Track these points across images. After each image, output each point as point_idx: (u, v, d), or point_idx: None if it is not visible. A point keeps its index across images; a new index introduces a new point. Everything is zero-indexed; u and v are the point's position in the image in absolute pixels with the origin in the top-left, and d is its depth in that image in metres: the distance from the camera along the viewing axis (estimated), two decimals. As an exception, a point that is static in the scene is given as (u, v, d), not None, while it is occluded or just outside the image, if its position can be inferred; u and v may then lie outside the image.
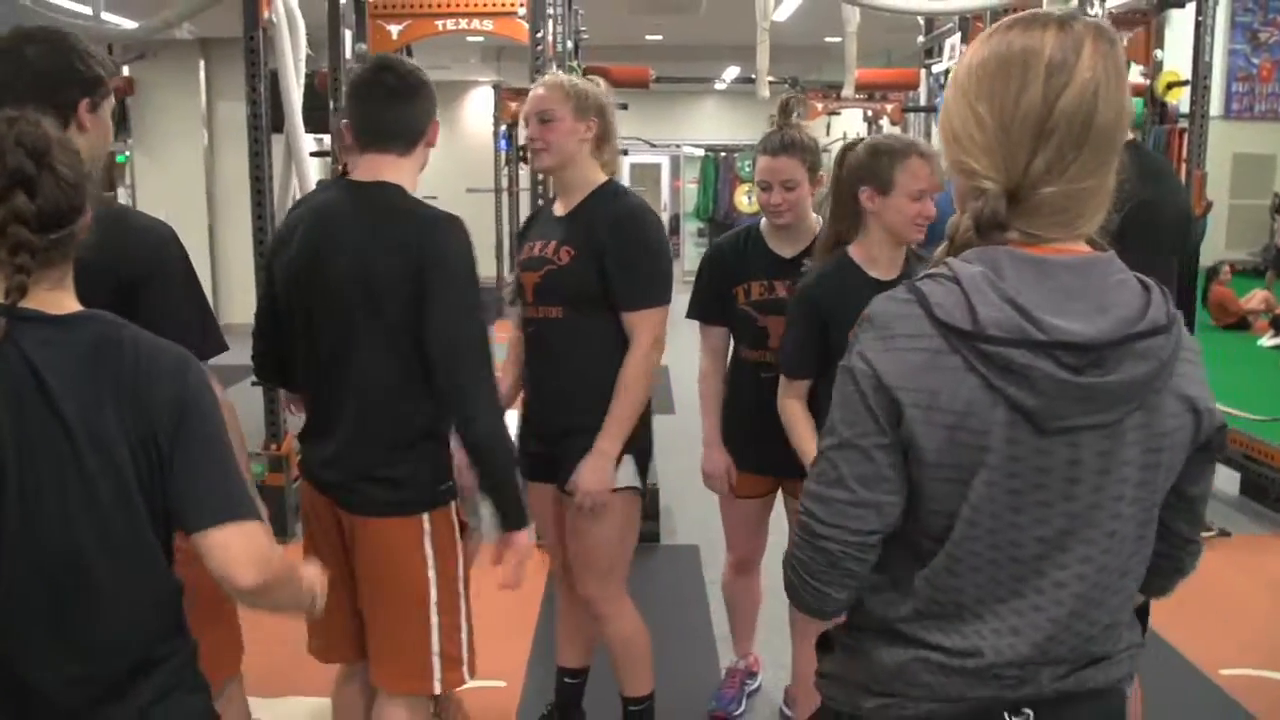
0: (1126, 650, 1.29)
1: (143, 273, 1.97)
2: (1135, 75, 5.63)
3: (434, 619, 2.27)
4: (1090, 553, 1.20)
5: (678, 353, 9.71)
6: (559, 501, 2.73)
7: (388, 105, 2.22)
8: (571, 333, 2.65)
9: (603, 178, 2.68)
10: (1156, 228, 2.20)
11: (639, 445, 2.67)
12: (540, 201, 4.54)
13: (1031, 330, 1.12)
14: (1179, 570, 1.36)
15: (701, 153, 15.87)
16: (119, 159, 13.80)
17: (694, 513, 5.03)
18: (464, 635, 2.34)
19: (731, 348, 3.03)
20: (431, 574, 2.25)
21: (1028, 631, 1.20)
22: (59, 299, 1.39)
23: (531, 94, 2.65)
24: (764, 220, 2.92)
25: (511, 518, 2.26)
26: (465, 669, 2.34)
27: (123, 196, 14.64)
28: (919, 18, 6.25)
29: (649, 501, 4.73)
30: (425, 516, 2.24)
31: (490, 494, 2.27)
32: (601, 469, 2.56)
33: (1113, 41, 1.17)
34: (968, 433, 1.15)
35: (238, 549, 1.39)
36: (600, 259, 2.57)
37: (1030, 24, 1.17)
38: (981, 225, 1.18)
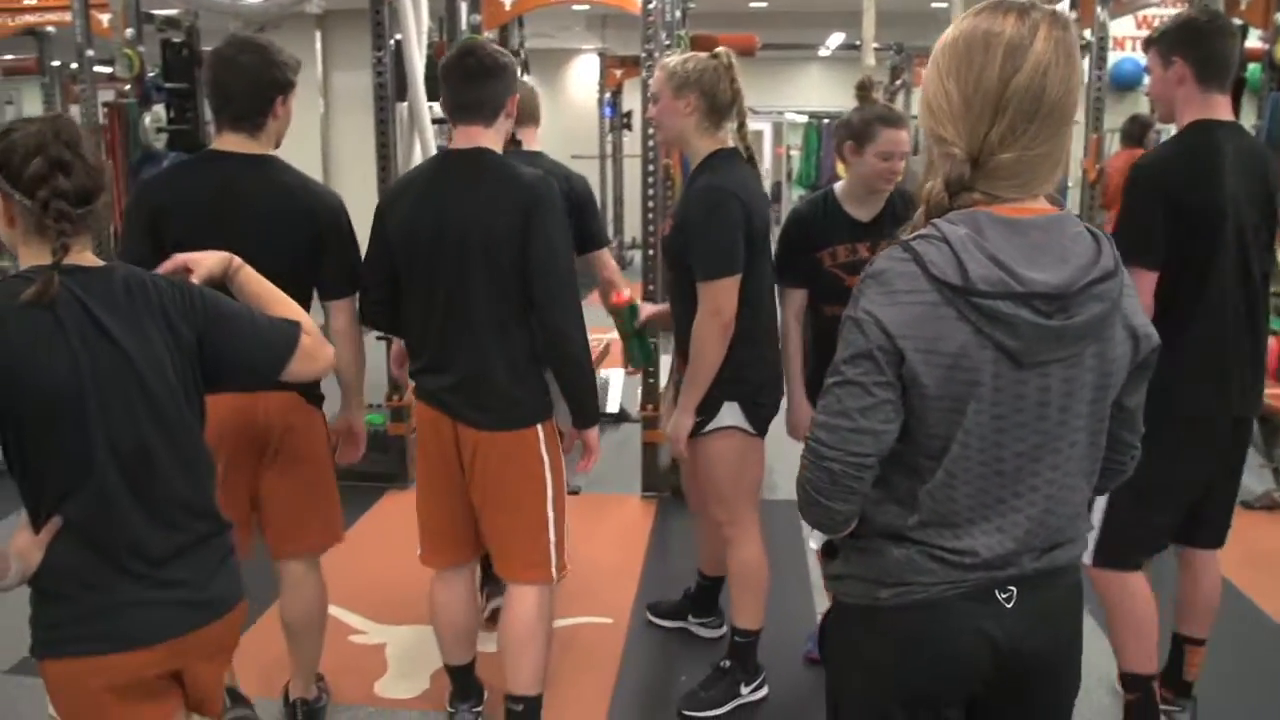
0: (1082, 533, 1.57)
1: (331, 223, 2.70)
2: (1254, 40, 5.52)
3: (550, 514, 2.72)
4: (1057, 461, 1.45)
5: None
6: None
7: (473, 85, 2.60)
8: (678, 295, 3.01)
9: (709, 149, 2.90)
10: None
11: (741, 391, 2.95)
12: (651, 168, 4.70)
13: (1012, 283, 1.34)
14: (1122, 471, 1.64)
15: (805, 119, 15.80)
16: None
17: (790, 469, 5.17)
18: (566, 527, 2.79)
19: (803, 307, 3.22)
20: (548, 475, 2.70)
21: (1010, 529, 1.46)
22: (89, 257, 1.76)
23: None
24: (840, 185, 3.12)
25: (586, 418, 2.72)
26: (566, 557, 2.80)
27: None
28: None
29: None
30: (539, 427, 2.68)
31: (571, 397, 2.69)
32: (679, 424, 2.96)
33: (1066, 26, 1.37)
34: (961, 370, 1.38)
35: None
36: (684, 230, 2.87)
37: (995, 10, 1.38)
38: (950, 187, 1.39)
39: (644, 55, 4.74)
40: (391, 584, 3.97)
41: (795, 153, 17.34)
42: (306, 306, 2.50)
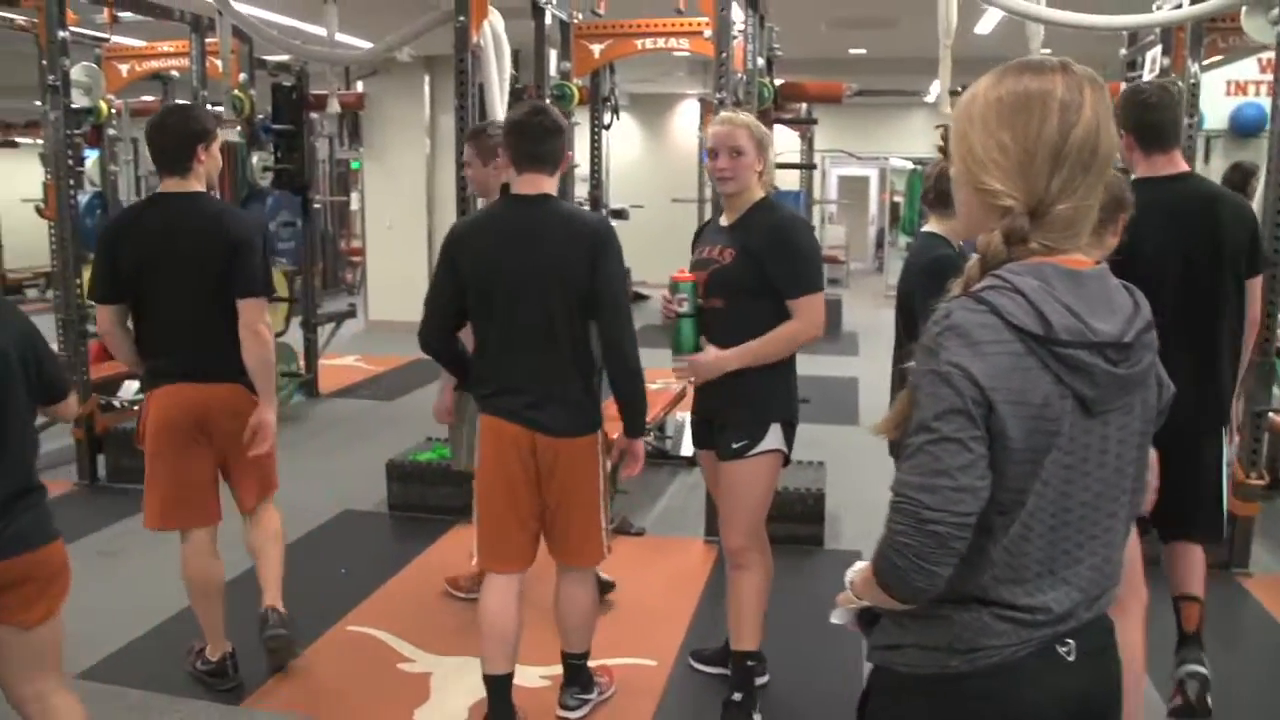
0: (1119, 576, 1.55)
1: (244, 238, 3.34)
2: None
3: (602, 505, 3.13)
4: (1114, 509, 1.47)
5: (864, 365, 9.75)
6: (715, 466, 3.25)
7: (542, 140, 3.01)
8: (729, 320, 3.14)
9: (761, 194, 3.21)
10: None
11: (784, 415, 3.17)
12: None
13: (1088, 333, 1.36)
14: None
15: (909, 166, 15.69)
16: (353, 165, 14.90)
17: (861, 523, 5.13)
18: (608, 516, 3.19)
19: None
20: (602, 473, 3.12)
21: (1075, 581, 1.45)
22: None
23: (720, 128, 3.15)
24: (944, 231, 3.17)
25: (636, 428, 3.13)
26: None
27: (354, 201, 15.81)
28: (1123, 32, 6.11)
29: (813, 506, 4.89)
30: (599, 431, 3.10)
31: (625, 407, 3.11)
32: (722, 359, 3.08)
33: (1103, 87, 1.41)
34: (1045, 421, 1.36)
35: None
36: (759, 259, 3.09)
37: (1040, 69, 1.41)
38: (1009, 239, 1.40)
39: (716, 102, 4.82)
40: (445, 614, 4.07)
41: (899, 199, 17.23)
42: (232, 306, 3.30)
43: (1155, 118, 3.10)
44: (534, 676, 3.52)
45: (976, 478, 1.35)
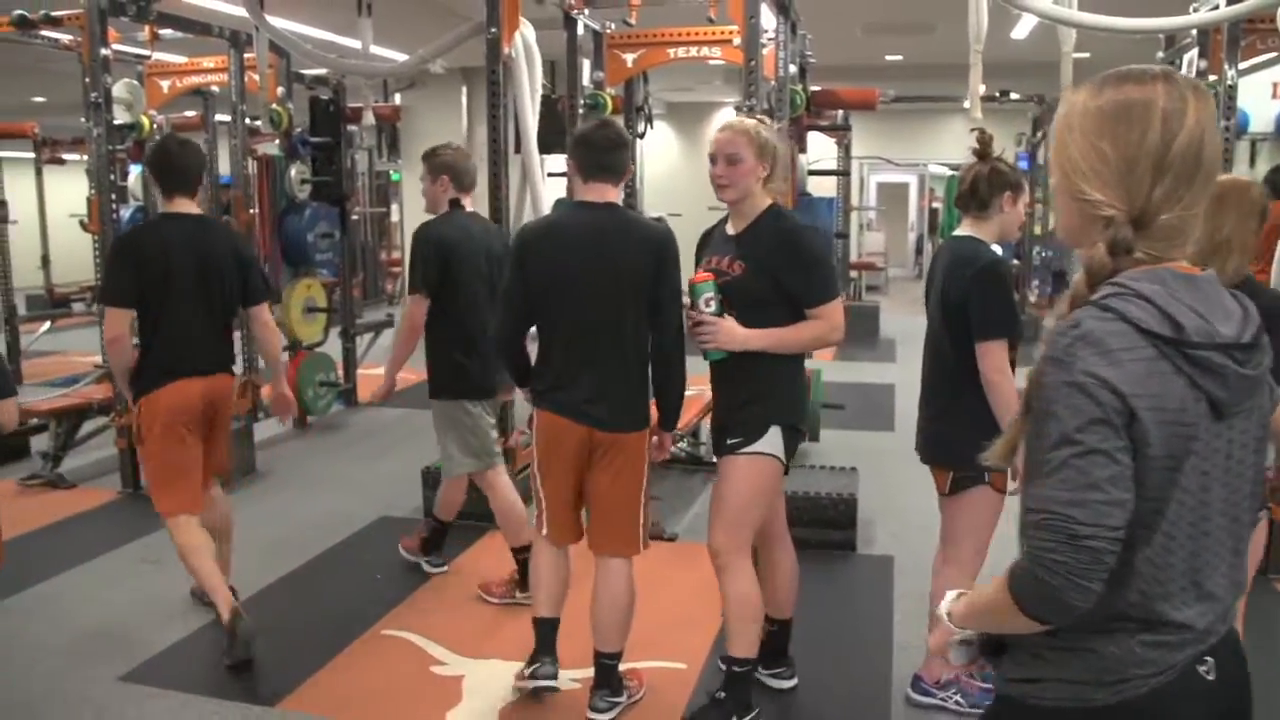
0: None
1: (248, 254, 4.11)
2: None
3: (643, 499, 3.29)
4: (1239, 514, 1.44)
5: (901, 372, 9.69)
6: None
7: (610, 152, 3.22)
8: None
9: (768, 203, 3.14)
10: None
11: (787, 420, 3.11)
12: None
13: (1215, 334, 1.35)
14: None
15: (948, 171, 15.58)
16: (393, 177, 15.06)
17: (893, 526, 5.11)
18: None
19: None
20: (646, 467, 3.28)
21: (1218, 594, 1.42)
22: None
23: (720, 135, 3.11)
24: (984, 235, 3.24)
25: (671, 422, 3.36)
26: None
27: (394, 213, 15.96)
28: (1160, 35, 6.06)
29: (846, 511, 4.88)
30: (648, 428, 3.28)
31: (664, 402, 3.31)
32: (743, 334, 3.05)
33: (1207, 95, 1.41)
34: (1182, 426, 1.34)
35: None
36: (771, 271, 3.05)
37: (1141, 78, 1.40)
38: (1114, 249, 1.39)
39: (746, 109, 4.83)
40: (478, 618, 4.11)
41: (938, 204, 17.13)
42: (234, 312, 3.98)
43: None
44: (565, 679, 3.54)
45: (1124, 490, 1.32)
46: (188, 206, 3.77)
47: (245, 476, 6.13)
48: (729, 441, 3.10)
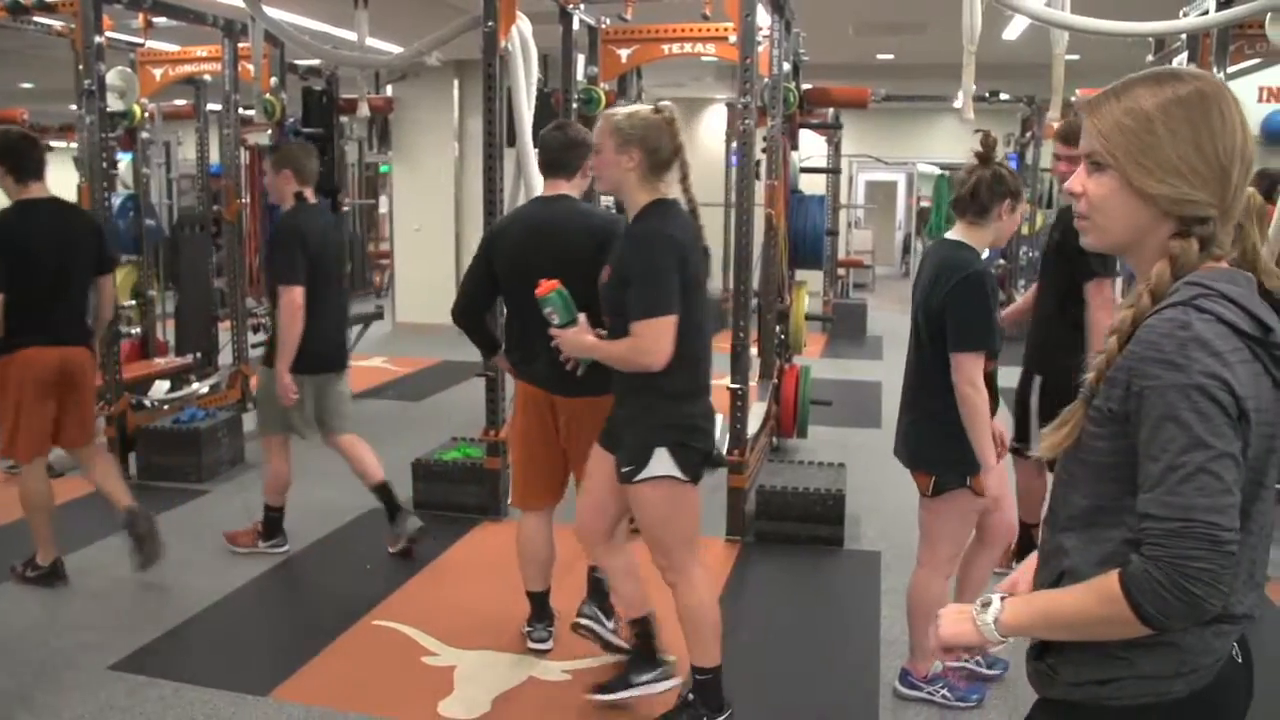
0: None
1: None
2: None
3: None
4: (1265, 508, 1.43)
5: (888, 370, 9.74)
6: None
7: (562, 151, 3.51)
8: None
9: (646, 199, 2.96)
10: None
11: (673, 439, 2.94)
12: (745, 216, 4.81)
13: None
14: None
15: (936, 171, 15.63)
16: (382, 169, 15.02)
17: (880, 522, 5.16)
18: None
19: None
20: None
21: (1262, 584, 1.45)
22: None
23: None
24: (980, 241, 3.22)
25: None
26: None
27: (382, 204, 15.93)
28: (1150, 39, 6.10)
29: (833, 507, 4.92)
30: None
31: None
32: (582, 340, 3.01)
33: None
34: (1268, 426, 1.34)
35: None
36: (623, 277, 2.90)
37: (1191, 73, 1.41)
38: (1206, 245, 1.38)
39: (741, 106, 4.86)
40: (469, 610, 4.13)
41: (926, 203, 17.18)
42: (89, 285, 4.35)
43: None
44: (556, 670, 3.57)
45: (1240, 491, 1.31)
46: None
47: (234, 467, 6.13)
48: (623, 470, 2.99)
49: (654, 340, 2.82)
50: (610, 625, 3.55)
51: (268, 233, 7.07)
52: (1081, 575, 1.41)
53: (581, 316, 3.03)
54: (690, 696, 3.17)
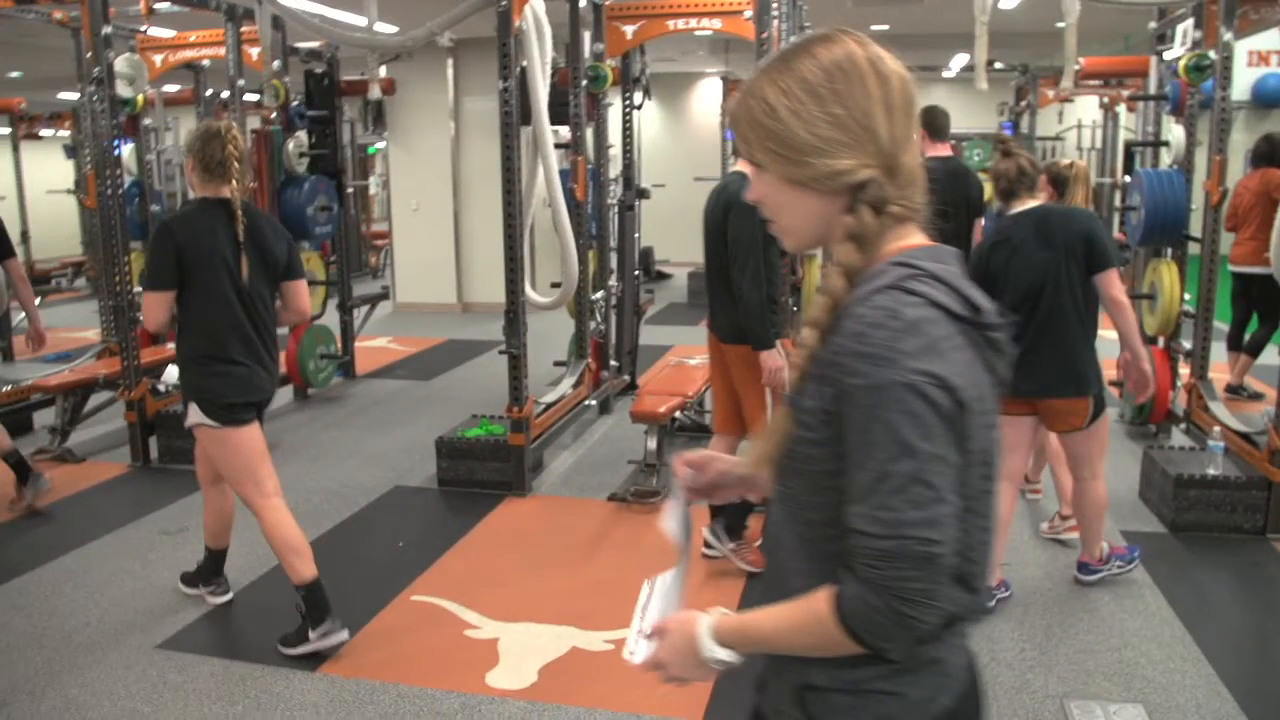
0: None
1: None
2: None
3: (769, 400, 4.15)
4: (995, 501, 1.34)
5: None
6: None
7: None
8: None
9: (200, 196, 3.65)
10: None
11: (194, 395, 3.58)
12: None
13: (993, 312, 1.23)
14: None
15: (927, 141, 15.66)
16: (369, 150, 15.00)
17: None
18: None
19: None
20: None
21: (989, 574, 1.35)
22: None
23: None
24: None
25: (757, 343, 3.98)
26: None
27: (373, 185, 15.91)
28: (1154, 5, 6.15)
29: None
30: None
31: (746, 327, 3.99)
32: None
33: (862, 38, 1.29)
34: (987, 416, 1.20)
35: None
36: None
37: (808, 42, 1.27)
38: (879, 207, 1.23)
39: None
40: (506, 583, 4.18)
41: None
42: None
43: (933, 116, 4.91)
44: (598, 640, 3.64)
45: (959, 493, 1.18)
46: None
47: (253, 449, 6.16)
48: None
49: (150, 310, 3.60)
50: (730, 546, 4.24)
51: (280, 214, 7.10)
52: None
53: None
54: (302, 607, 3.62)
